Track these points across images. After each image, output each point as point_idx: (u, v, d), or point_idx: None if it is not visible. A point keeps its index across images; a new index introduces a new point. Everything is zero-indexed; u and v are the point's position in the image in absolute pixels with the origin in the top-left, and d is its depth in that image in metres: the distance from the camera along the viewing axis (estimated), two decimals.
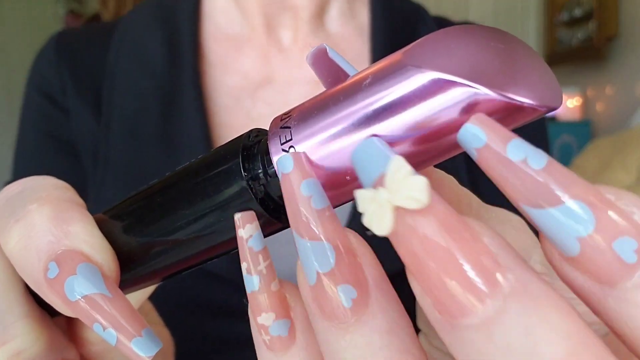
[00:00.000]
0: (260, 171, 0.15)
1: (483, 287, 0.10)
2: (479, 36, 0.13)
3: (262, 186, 0.15)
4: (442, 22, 0.46)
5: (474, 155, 0.11)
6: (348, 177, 0.13)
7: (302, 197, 0.12)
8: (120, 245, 0.16)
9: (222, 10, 0.44)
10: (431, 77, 0.12)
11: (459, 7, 3.20)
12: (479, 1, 3.19)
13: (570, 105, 2.73)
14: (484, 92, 0.12)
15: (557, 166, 0.11)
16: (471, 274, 0.11)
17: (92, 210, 0.17)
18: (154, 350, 0.15)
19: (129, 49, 0.43)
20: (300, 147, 0.13)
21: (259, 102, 0.43)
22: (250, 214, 0.14)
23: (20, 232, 0.15)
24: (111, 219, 0.17)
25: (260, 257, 0.15)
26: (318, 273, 0.12)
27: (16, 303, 0.17)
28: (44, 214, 0.16)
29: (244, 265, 0.15)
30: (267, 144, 0.14)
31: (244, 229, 0.14)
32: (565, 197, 0.11)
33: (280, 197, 0.15)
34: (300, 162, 0.13)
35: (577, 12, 2.66)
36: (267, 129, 0.15)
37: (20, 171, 0.44)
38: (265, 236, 0.16)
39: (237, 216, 0.14)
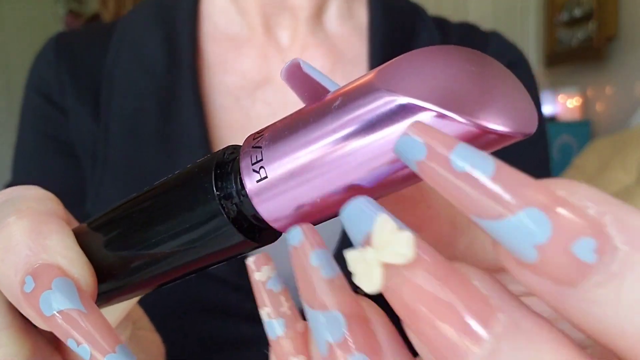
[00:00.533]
0: (233, 190, 0.14)
1: (477, 330, 0.10)
2: (454, 58, 0.13)
3: (234, 205, 0.14)
4: (440, 22, 0.46)
5: (415, 168, 0.11)
6: (319, 200, 0.13)
7: (311, 268, 0.13)
8: (98, 259, 0.16)
9: (221, 11, 0.44)
10: (401, 102, 0.12)
11: (458, 7, 3.20)
12: (479, 1, 3.19)
13: (570, 105, 2.73)
14: (454, 118, 0.11)
15: (506, 170, 0.11)
16: (464, 318, 0.11)
17: (91, 210, 0.17)
18: None
19: (127, 49, 0.43)
20: (270, 169, 0.13)
21: (258, 102, 0.43)
22: (264, 255, 0.14)
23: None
24: (90, 231, 0.16)
25: (282, 299, 0.15)
26: (329, 344, 0.12)
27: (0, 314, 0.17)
28: (21, 226, 0.16)
29: (264, 311, 0.14)
30: (239, 163, 0.14)
31: (260, 271, 0.14)
32: (517, 206, 0.10)
33: (254, 217, 0.14)
34: (309, 233, 0.13)
35: (577, 12, 2.66)
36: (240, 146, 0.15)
37: (19, 172, 0.44)
38: (238, 256, 0.16)
39: (251, 260, 0.14)
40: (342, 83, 0.47)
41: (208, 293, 0.38)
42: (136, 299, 0.19)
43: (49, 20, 3.00)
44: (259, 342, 0.38)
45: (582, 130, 2.65)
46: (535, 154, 0.44)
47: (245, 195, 0.14)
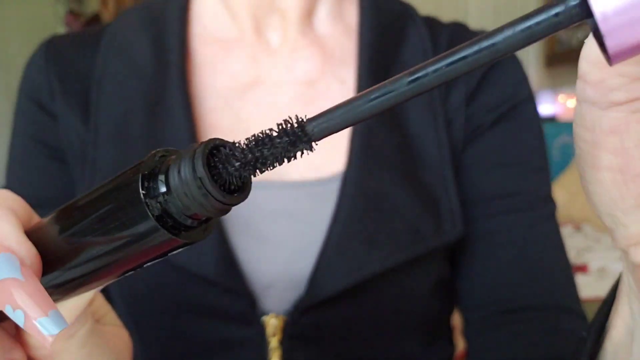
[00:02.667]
0: (158, 189, 0.16)
1: None
2: None
3: (158, 203, 0.16)
4: (431, 22, 0.46)
5: None
6: None
7: None
8: (49, 249, 0.18)
9: (211, 13, 0.44)
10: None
11: (458, 7, 3.20)
12: (479, 1, 3.19)
13: (570, 105, 2.73)
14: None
15: None
16: None
17: None
18: (59, 329, 0.16)
19: (117, 52, 0.43)
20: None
21: (248, 104, 0.43)
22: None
23: None
24: (43, 226, 0.18)
25: None
26: None
27: None
28: None
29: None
30: (169, 164, 0.16)
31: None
32: None
33: (180, 214, 0.16)
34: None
35: None
36: (175, 149, 0.17)
37: (11, 176, 0.44)
38: (166, 255, 0.17)
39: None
40: (332, 83, 0.47)
41: (198, 295, 0.38)
42: (90, 294, 0.20)
43: (49, 20, 3.00)
44: (249, 344, 0.38)
45: None
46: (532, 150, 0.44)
47: (170, 194, 0.15)
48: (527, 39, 0.14)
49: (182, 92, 0.41)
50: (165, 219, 0.16)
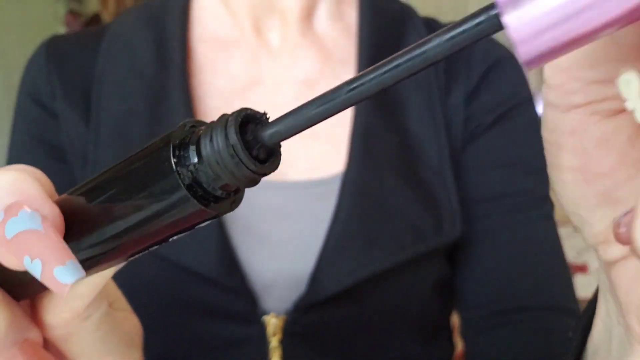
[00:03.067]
0: (189, 158, 0.16)
1: None
2: None
3: (189, 172, 0.16)
4: (430, 23, 0.47)
5: None
6: None
7: None
8: (72, 219, 0.18)
9: (211, 13, 0.44)
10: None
11: (458, 7, 3.20)
12: (479, 1, 3.19)
13: None
14: None
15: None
16: None
17: None
18: (75, 278, 0.16)
19: (118, 52, 0.43)
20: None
21: (248, 104, 0.42)
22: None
23: None
24: (68, 197, 0.18)
25: None
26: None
27: None
28: (4, 177, 0.18)
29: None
30: (199, 134, 0.16)
31: None
32: None
33: (210, 185, 0.16)
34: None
35: None
36: (203, 121, 0.17)
37: None
38: (194, 227, 0.17)
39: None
40: (332, 83, 0.48)
41: (199, 294, 0.38)
42: (109, 273, 0.20)
43: (49, 20, 3.00)
44: (250, 343, 0.38)
45: None
46: (531, 149, 0.44)
47: (201, 163, 0.15)
48: (453, 46, 0.15)
49: (184, 92, 0.41)
50: (196, 189, 0.16)
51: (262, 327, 0.38)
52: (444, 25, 0.47)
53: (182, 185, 0.16)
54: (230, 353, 0.39)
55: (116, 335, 0.24)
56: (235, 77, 0.43)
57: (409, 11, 0.47)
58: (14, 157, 0.44)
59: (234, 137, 0.15)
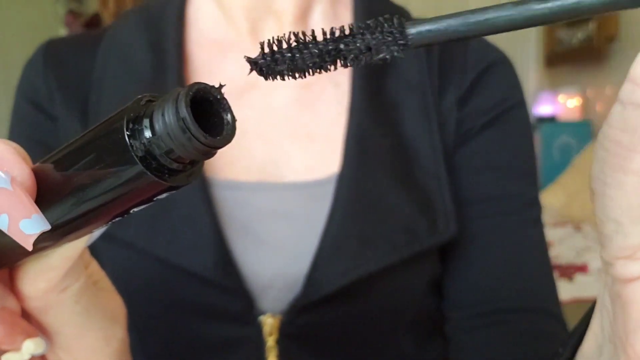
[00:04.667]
0: (142, 131, 0.16)
1: None
2: None
3: (142, 144, 0.16)
4: None
5: None
6: None
7: None
8: (44, 185, 0.19)
9: (207, 16, 0.45)
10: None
11: (458, 7, 3.19)
12: (479, 1, 3.19)
13: (570, 105, 2.73)
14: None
15: None
16: None
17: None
18: (39, 229, 0.17)
19: (115, 55, 0.43)
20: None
21: (244, 107, 0.43)
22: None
23: None
24: (35, 167, 0.19)
25: None
26: None
27: None
28: None
29: None
30: (153, 108, 0.16)
31: None
32: None
33: (164, 157, 0.16)
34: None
35: None
36: (159, 96, 0.17)
37: None
38: (152, 199, 0.17)
39: None
40: (327, 85, 0.47)
41: (195, 295, 0.39)
42: (80, 244, 0.21)
43: (49, 20, 3.01)
44: (246, 343, 0.38)
45: (582, 130, 2.65)
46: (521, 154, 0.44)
47: (154, 136, 0.16)
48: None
49: None
50: (150, 161, 0.16)
51: (258, 327, 0.38)
52: None
53: (135, 157, 0.16)
54: (227, 353, 0.39)
55: (98, 311, 0.24)
56: (231, 80, 0.43)
57: (403, 13, 0.47)
58: None
59: (183, 111, 0.15)
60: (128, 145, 0.16)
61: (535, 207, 0.44)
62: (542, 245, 0.43)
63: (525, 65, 3.20)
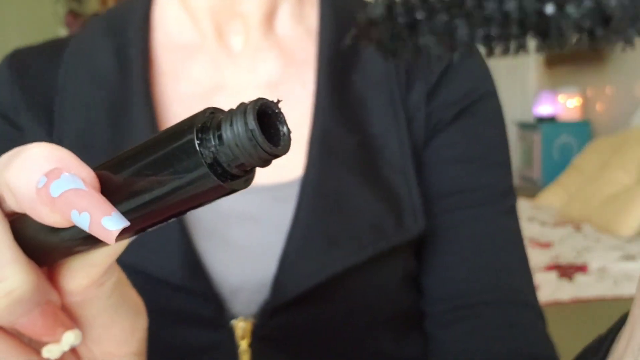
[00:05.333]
0: (211, 140, 0.18)
1: None
2: None
3: (211, 153, 0.18)
4: None
5: None
6: None
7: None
8: (105, 188, 0.20)
9: (173, 19, 0.44)
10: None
11: None
12: None
13: (570, 105, 2.73)
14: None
15: None
16: None
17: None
18: (121, 225, 0.18)
19: (79, 62, 0.43)
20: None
21: None
22: None
23: (20, 161, 0.20)
24: (102, 167, 0.20)
25: None
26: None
27: (5, 248, 0.20)
28: (40, 147, 0.20)
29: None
30: (219, 119, 0.18)
31: None
32: None
33: (229, 164, 0.18)
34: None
35: None
36: (221, 108, 0.19)
37: None
38: (211, 201, 0.19)
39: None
40: (294, 85, 0.47)
41: (165, 301, 0.38)
42: (124, 244, 0.22)
43: (49, 20, 3.01)
44: (219, 347, 0.38)
45: (582, 130, 2.65)
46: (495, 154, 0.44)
47: (222, 145, 0.18)
48: None
49: (146, 100, 0.41)
50: (216, 167, 0.18)
51: (230, 332, 0.38)
52: None
53: (205, 164, 0.18)
54: (200, 358, 0.39)
55: (125, 303, 0.25)
56: (198, 82, 0.43)
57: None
58: None
59: (252, 123, 0.17)
60: (199, 153, 0.18)
61: (508, 197, 0.43)
62: (516, 235, 0.43)
63: (525, 65, 3.20)
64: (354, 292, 0.40)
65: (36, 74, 0.44)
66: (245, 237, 0.39)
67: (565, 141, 2.70)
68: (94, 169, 0.20)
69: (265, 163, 0.18)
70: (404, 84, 0.43)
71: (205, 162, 0.18)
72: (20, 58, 0.44)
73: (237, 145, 0.17)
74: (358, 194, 0.39)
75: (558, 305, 1.27)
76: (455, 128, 0.43)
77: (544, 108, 2.82)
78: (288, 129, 0.19)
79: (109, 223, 0.18)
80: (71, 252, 0.21)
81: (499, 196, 0.43)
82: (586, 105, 2.73)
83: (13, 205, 0.20)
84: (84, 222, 0.18)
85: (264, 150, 0.17)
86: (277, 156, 0.18)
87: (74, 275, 0.22)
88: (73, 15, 3.02)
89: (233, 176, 0.18)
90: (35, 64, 0.44)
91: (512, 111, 3.26)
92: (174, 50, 0.44)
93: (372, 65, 0.43)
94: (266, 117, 0.18)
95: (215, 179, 0.18)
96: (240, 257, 0.39)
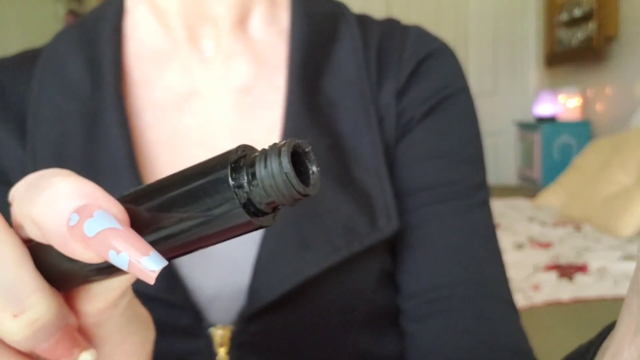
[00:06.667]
0: (244, 179, 0.18)
1: None
2: None
3: (245, 193, 0.18)
4: (363, 20, 0.46)
5: None
6: None
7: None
8: (133, 221, 0.20)
9: (144, 26, 0.44)
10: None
11: (458, 8, 3.20)
12: (479, 1, 3.20)
13: (570, 105, 2.73)
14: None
15: None
16: None
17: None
18: (161, 265, 0.18)
19: (51, 75, 0.43)
20: None
21: (186, 115, 0.43)
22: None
23: (47, 196, 0.19)
24: (127, 200, 0.20)
25: None
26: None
27: (29, 277, 0.20)
28: (67, 182, 0.19)
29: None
30: (252, 158, 0.18)
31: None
32: None
33: (261, 203, 0.18)
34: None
35: (577, 12, 2.66)
36: (251, 146, 0.19)
37: None
38: (240, 235, 0.19)
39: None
40: (266, 89, 0.47)
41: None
42: (129, 280, 0.22)
43: (49, 20, 3.01)
44: (197, 356, 0.38)
45: (582, 131, 2.65)
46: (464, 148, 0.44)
47: (256, 186, 0.18)
48: None
49: (118, 111, 0.40)
50: (249, 207, 0.18)
51: (208, 340, 0.38)
52: (377, 21, 0.47)
53: (240, 203, 0.18)
54: None
55: (137, 318, 0.26)
56: (171, 89, 0.43)
57: (341, 9, 0.46)
58: None
59: (287, 166, 0.18)
60: (233, 193, 0.18)
61: (481, 191, 0.43)
62: (488, 229, 0.43)
63: (525, 65, 3.20)
64: (330, 294, 0.40)
65: (7, 86, 0.43)
66: (221, 246, 0.39)
67: (565, 141, 2.70)
68: (120, 200, 0.20)
69: (296, 202, 0.18)
70: (375, 83, 0.43)
71: (240, 201, 0.18)
72: None
73: (271, 186, 0.18)
74: (330, 197, 0.39)
75: (558, 305, 1.27)
76: (425, 125, 0.43)
77: (544, 108, 2.82)
78: (317, 167, 0.19)
79: (149, 264, 0.18)
80: (93, 280, 0.21)
81: (470, 190, 0.43)
82: (586, 105, 2.73)
83: (36, 236, 0.20)
84: (122, 262, 0.18)
85: (297, 191, 0.18)
86: (308, 196, 0.18)
87: (92, 299, 0.22)
88: (73, 15, 3.02)
89: (263, 213, 0.19)
90: (6, 77, 0.44)
91: (512, 111, 3.26)
92: (147, 58, 0.44)
93: (343, 66, 0.43)
94: (296, 156, 0.18)
95: (249, 217, 0.18)
96: (216, 265, 0.39)
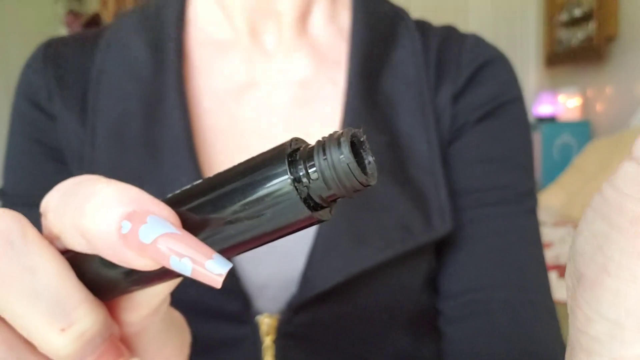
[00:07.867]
0: (303, 174, 0.17)
1: None
2: None
3: (305, 187, 0.17)
4: (422, 26, 0.47)
5: None
6: None
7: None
8: (185, 222, 0.19)
9: (207, 16, 0.45)
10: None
11: (458, 8, 3.20)
12: (479, 1, 3.19)
13: (570, 105, 2.73)
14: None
15: None
16: None
17: None
18: (226, 268, 0.17)
19: (114, 54, 0.44)
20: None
21: (243, 105, 0.43)
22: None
23: (94, 205, 0.18)
24: (174, 199, 0.19)
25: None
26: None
27: (74, 290, 0.19)
28: (112, 188, 0.18)
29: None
30: (308, 150, 0.17)
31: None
32: None
33: (320, 196, 0.17)
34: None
35: (577, 12, 2.66)
36: (302, 138, 0.18)
37: (9, 177, 0.44)
38: (298, 231, 0.18)
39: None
40: (325, 83, 0.47)
41: (191, 295, 0.39)
42: (172, 285, 0.22)
43: (49, 20, 3.01)
44: (243, 343, 0.38)
45: (582, 130, 2.65)
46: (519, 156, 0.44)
47: (316, 179, 0.17)
48: None
49: (179, 94, 0.41)
50: (309, 202, 0.17)
51: (255, 327, 0.38)
52: (436, 27, 0.48)
53: (300, 199, 0.17)
54: (224, 353, 0.39)
55: (173, 323, 0.25)
56: (230, 79, 0.44)
57: (401, 13, 0.47)
58: (13, 159, 0.44)
59: (349, 156, 0.17)
60: (293, 188, 0.17)
61: (529, 198, 0.44)
62: (534, 236, 0.43)
63: (525, 65, 3.20)
64: (378, 291, 0.40)
65: (70, 63, 0.44)
66: None
67: (565, 141, 2.70)
68: (167, 202, 0.19)
69: (355, 193, 0.17)
70: (433, 85, 0.43)
71: (301, 196, 0.17)
72: (55, 47, 0.45)
73: (332, 178, 0.17)
74: (387, 193, 0.40)
75: (558, 305, 1.27)
76: (479, 129, 0.43)
77: (544, 108, 2.82)
78: (373, 157, 0.18)
79: (214, 267, 0.17)
80: (136, 288, 0.20)
81: (518, 196, 0.43)
82: (586, 105, 2.73)
83: (79, 247, 0.19)
84: (185, 268, 0.17)
85: (359, 182, 0.17)
86: (368, 186, 0.17)
87: (135, 308, 0.22)
88: (73, 15, 3.02)
89: (322, 206, 0.18)
90: (69, 54, 0.44)
91: None
92: (208, 47, 0.44)
93: (402, 67, 0.44)
94: (352, 146, 0.17)
95: (310, 212, 0.17)
96: (268, 253, 0.39)
